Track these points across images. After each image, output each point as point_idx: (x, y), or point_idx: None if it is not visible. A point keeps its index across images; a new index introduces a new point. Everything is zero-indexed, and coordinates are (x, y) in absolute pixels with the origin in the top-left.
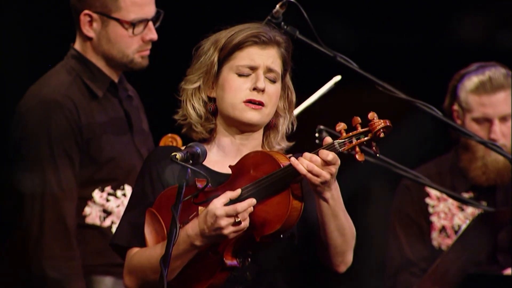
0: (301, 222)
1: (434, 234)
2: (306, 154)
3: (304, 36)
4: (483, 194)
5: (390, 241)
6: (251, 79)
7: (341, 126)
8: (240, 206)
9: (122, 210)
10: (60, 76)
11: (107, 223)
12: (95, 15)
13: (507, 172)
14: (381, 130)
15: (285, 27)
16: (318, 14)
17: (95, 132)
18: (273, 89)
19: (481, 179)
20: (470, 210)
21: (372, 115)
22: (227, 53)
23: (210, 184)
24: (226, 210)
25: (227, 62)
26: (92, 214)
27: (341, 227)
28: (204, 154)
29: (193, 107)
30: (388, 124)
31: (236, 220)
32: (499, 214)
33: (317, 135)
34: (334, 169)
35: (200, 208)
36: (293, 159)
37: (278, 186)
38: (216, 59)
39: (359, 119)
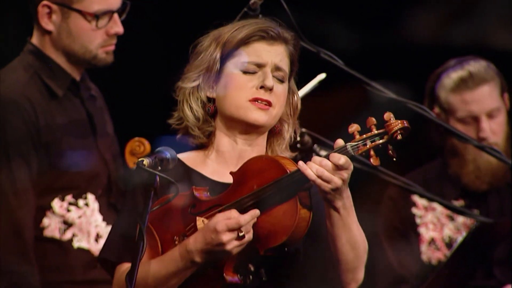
0: (310, 235)
1: (423, 247)
2: (316, 157)
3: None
4: (475, 202)
5: (378, 257)
6: (258, 77)
7: (354, 127)
8: (243, 219)
9: (84, 221)
10: (16, 74)
11: (67, 235)
12: (54, 6)
13: (502, 173)
14: (398, 132)
15: (270, 21)
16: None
17: (54, 135)
18: (281, 89)
19: (475, 183)
20: (461, 220)
21: (388, 115)
22: (231, 49)
23: (208, 193)
24: (228, 224)
25: (231, 58)
26: (51, 226)
27: (353, 240)
28: (174, 160)
29: (190, 108)
30: (406, 125)
31: (240, 235)
32: (497, 226)
33: (298, 139)
34: (346, 174)
35: (198, 218)
36: (301, 163)
37: (285, 194)
38: (218, 55)
39: (374, 120)
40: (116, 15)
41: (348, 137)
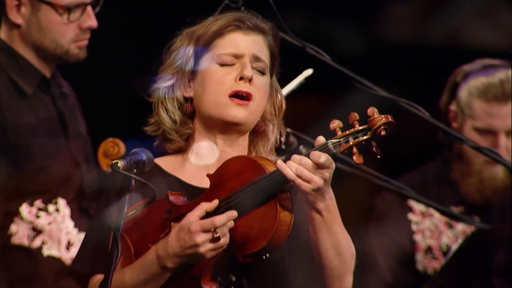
0: (292, 240)
1: (419, 256)
2: (295, 156)
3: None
4: (476, 209)
5: (368, 266)
6: (236, 68)
7: (336, 123)
8: (218, 219)
9: (54, 228)
10: None
11: (36, 243)
12: None
13: (505, 191)
14: (382, 127)
15: (246, 12)
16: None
17: (23, 135)
18: (262, 81)
19: (474, 196)
20: (461, 227)
21: (371, 110)
22: (205, 43)
23: (185, 198)
24: (202, 225)
25: (206, 52)
26: (19, 233)
27: (338, 245)
28: (151, 162)
29: (166, 110)
30: (390, 119)
31: (215, 236)
32: (496, 232)
33: (283, 139)
34: (327, 173)
35: (173, 224)
36: (279, 162)
37: (264, 196)
38: (191, 51)
39: (356, 115)
40: (89, 8)
41: (332, 135)
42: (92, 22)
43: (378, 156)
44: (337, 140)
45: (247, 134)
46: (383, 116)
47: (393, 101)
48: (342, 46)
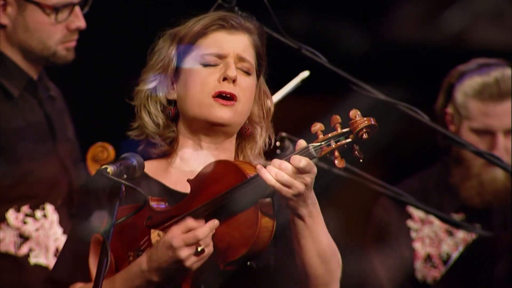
0: (277, 247)
1: (418, 264)
2: (275, 160)
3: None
4: (477, 216)
5: (366, 274)
6: (220, 69)
7: (317, 126)
8: (201, 232)
9: (42, 234)
10: None
11: (23, 250)
12: None
13: (505, 194)
14: (364, 130)
15: (239, 13)
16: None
17: (9, 139)
18: (247, 82)
19: (475, 200)
20: (461, 235)
21: (354, 112)
22: (188, 43)
23: (167, 203)
24: (185, 239)
25: (189, 53)
26: (6, 240)
27: (323, 252)
28: (141, 167)
29: (148, 114)
30: (372, 122)
31: (199, 249)
32: (497, 240)
33: (278, 144)
34: (309, 178)
35: (152, 231)
36: (259, 167)
37: (244, 202)
38: (174, 51)
39: (338, 118)
40: (77, 8)
41: (326, 133)
42: (81, 22)
43: (361, 160)
44: (319, 143)
45: (234, 137)
46: (365, 118)
47: (391, 104)
48: (340, 48)
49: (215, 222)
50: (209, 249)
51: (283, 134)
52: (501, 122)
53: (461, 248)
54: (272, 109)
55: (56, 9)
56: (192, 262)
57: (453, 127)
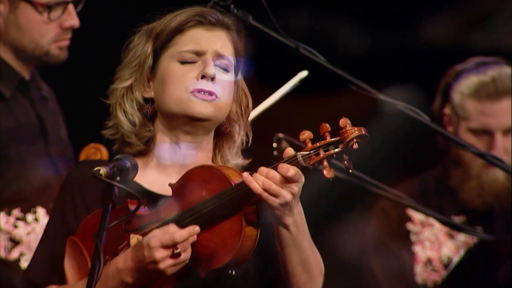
0: (257, 254)
1: (418, 268)
2: (262, 169)
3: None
4: (478, 218)
5: (365, 278)
6: (198, 66)
7: (306, 134)
8: (179, 235)
9: (33, 238)
10: None
11: (14, 255)
12: None
13: (506, 195)
14: (355, 140)
15: (235, 11)
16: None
17: (0, 140)
18: (226, 79)
19: (475, 202)
20: (462, 238)
21: (344, 121)
22: (165, 40)
23: (146, 207)
24: (162, 240)
25: (165, 50)
26: None
27: (306, 260)
28: (135, 169)
29: (124, 112)
30: (363, 132)
31: (175, 252)
32: (499, 243)
33: (275, 145)
34: (296, 187)
35: (131, 236)
36: (246, 175)
37: (228, 209)
38: (150, 48)
39: (328, 126)
40: (71, 6)
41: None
42: (74, 21)
43: (350, 171)
44: (307, 152)
45: (212, 136)
46: (355, 128)
47: (391, 104)
48: (339, 47)
49: (195, 228)
50: (186, 255)
51: (280, 135)
52: (499, 121)
53: (462, 252)
54: (251, 106)
55: (49, 7)
56: (167, 265)
57: (451, 128)
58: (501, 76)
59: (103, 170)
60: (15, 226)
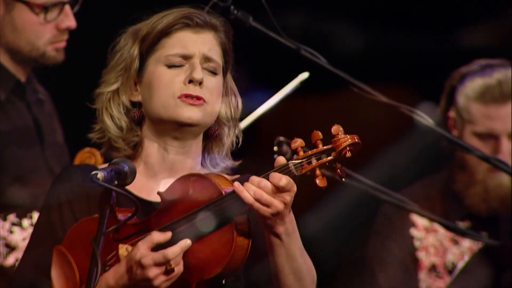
0: (249, 263)
1: (422, 275)
2: (254, 178)
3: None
4: (483, 224)
5: (367, 284)
6: (185, 70)
7: (298, 143)
8: (171, 252)
9: None
10: None
11: (10, 261)
12: None
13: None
14: (347, 149)
15: (236, 12)
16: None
17: None
18: (214, 83)
19: (480, 207)
20: (467, 244)
21: (336, 129)
22: (151, 42)
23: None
24: (155, 259)
25: (152, 53)
26: None
27: (298, 270)
28: (133, 173)
29: (111, 117)
30: (356, 140)
31: (168, 268)
32: (504, 249)
33: (276, 149)
34: (288, 197)
35: (120, 246)
36: (237, 184)
37: (219, 219)
38: (136, 51)
39: (320, 134)
40: (67, 7)
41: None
42: (71, 22)
43: (343, 180)
44: (299, 161)
45: (201, 139)
46: (348, 136)
47: (394, 107)
48: (341, 48)
49: (187, 242)
50: (179, 268)
51: (281, 138)
52: (504, 125)
53: (467, 258)
54: (240, 106)
55: (45, 8)
56: (160, 281)
57: (456, 132)
58: (507, 79)
59: (100, 174)
60: (11, 232)
